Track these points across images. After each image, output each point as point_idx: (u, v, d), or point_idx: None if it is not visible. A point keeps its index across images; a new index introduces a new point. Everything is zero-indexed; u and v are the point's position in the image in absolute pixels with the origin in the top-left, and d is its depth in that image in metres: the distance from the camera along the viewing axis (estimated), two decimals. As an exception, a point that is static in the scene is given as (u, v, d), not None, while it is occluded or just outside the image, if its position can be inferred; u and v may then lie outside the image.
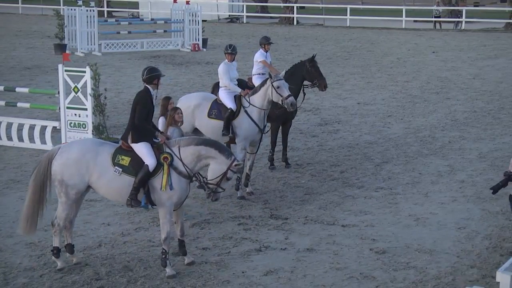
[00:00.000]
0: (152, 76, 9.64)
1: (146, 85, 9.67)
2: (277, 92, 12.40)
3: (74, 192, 9.28)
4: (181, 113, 10.88)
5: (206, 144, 9.38)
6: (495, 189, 9.59)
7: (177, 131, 10.74)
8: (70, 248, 9.70)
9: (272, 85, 12.43)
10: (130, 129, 9.45)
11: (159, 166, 9.21)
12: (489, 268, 9.53)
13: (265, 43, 14.39)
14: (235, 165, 9.33)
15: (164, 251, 9.32)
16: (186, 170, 9.28)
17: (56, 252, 9.49)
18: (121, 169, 9.22)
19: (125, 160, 9.26)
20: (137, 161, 9.25)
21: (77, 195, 9.37)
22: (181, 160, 9.27)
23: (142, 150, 9.31)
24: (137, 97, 9.64)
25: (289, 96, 12.42)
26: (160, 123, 11.09)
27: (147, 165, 9.19)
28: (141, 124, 9.41)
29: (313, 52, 16.22)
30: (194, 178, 9.53)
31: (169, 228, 9.32)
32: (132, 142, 9.37)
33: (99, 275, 9.35)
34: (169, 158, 9.24)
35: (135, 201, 9.27)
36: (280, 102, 12.52)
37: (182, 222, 9.75)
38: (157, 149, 9.36)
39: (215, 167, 9.34)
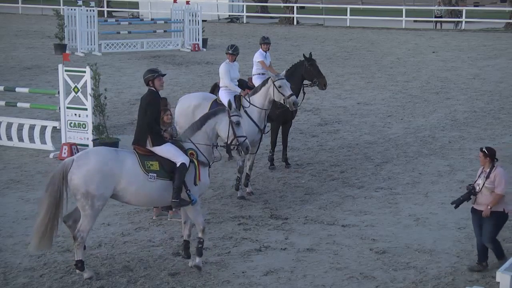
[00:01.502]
0: (148, 78, 9.53)
1: (150, 88, 9.54)
2: (279, 91, 12.41)
3: (101, 202, 9.06)
4: (171, 115, 10.96)
5: (204, 122, 9.71)
6: (457, 204, 9.67)
7: (174, 128, 10.77)
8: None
9: (274, 84, 12.44)
10: (148, 133, 9.34)
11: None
12: (489, 268, 9.52)
13: (262, 42, 14.43)
14: (232, 109, 9.72)
15: (202, 240, 9.50)
16: (205, 158, 9.57)
17: (81, 265, 9.17)
18: (155, 175, 9.18)
19: (155, 165, 9.23)
20: (166, 163, 9.26)
21: (103, 206, 9.19)
22: (199, 151, 9.51)
23: (170, 150, 9.33)
24: (146, 100, 9.47)
25: (291, 95, 12.44)
26: None
27: (183, 163, 9.22)
28: (153, 127, 9.37)
29: (313, 52, 16.23)
30: (213, 156, 9.76)
31: (203, 219, 9.60)
32: (154, 145, 9.33)
33: (99, 275, 9.35)
34: (194, 154, 9.42)
35: (183, 200, 9.30)
36: (282, 101, 12.53)
37: (191, 222, 9.73)
38: (179, 147, 9.48)
39: (221, 127, 9.69)
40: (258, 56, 14.29)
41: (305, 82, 14.46)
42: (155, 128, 9.39)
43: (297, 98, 14.30)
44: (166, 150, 9.32)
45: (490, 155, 9.51)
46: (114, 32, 33.76)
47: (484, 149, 9.56)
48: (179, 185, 9.21)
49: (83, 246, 9.18)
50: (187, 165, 9.25)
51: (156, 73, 9.56)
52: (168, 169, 9.25)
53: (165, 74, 9.91)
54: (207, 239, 10.61)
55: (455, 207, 9.71)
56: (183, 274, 9.37)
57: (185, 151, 9.42)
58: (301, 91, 14.40)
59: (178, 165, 9.22)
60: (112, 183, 9.03)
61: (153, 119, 9.39)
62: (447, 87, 23.48)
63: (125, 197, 9.24)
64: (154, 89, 9.51)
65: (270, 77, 12.67)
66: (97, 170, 8.96)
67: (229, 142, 9.74)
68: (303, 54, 14.56)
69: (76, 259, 9.20)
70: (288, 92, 12.45)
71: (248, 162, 12.91)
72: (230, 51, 13.14)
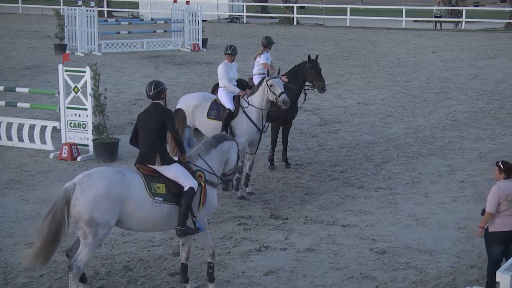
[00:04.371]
0: (163, 88, 8.78)
1: (159, 101, 8.72)
2: (270, 90, 12.42)
3: (105, 231, 8.23)
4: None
5: (220, 141, 9.14)
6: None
7: (189, 130, 10.41)
8: (83, 277, 8.69)
9: (267, 83, 12.46)
10: (156, 151, 8.53)
11: None
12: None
13: (265, 45, 14.57)
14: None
15: (212, 265, 8.92)
16: (217, 178, 9.03)
17: None
18: (161, 199, 8.41)
19: (161, 188, 8.44)
20: (173, 186, 8.50)
21: (107, 234, 8.37)
22: (212, 170, 8.94)
23: (178, 172, 8.56)
24: (165, 116, 8.61)
25: (281, 93, 12.39)
26: None
27: (191, 187, 8.47)
28: (180, 139, 8.78)
29: (313, 52, 16.25)
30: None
31: (212, 242, 9.02)
32: (162, 164, 8.53)
33: (99, 275, 9.35)
34: (202, 175, 8.78)
35: (189, 228, 8.56)
36: (274, 101, 12.51)
37: (190, 244, 9.08)
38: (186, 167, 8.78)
39: (233, 155, 9.21)
40: (261, 57, 14.40)
41: (307, 83, 14.46)
42: (182, 142, 8.75)
43: (298, 98, 14.37)
44: (175, 172, 8.53)
45: (506, 170, 8.63)
46: (114, 32, 33.77)
47: (499, 164, 8.72)
48: (186, 211, 8.47)
49: (79, 278, 8.26)
50: (195, 190, 8.51)
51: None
52: (175, 192, 8.49)
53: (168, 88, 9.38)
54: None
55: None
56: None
57: (193, 173, 8.67)
58: (302, 92, 14.42)
59: (186, 189, 8.47)
60: (118, 208, 8.21)
61: (179, 134, 8.78)
62: (447, 87, 23.48)
63: (129, 223, 8.45)
64: (162, 102, 8.77)
65: (265, 77, 12.69)
66: (104, 194, 8.08)
67: (229, 172, 9.24)
68: (308, 55, 14.47)
69: None
70: (278, 90, 12.42)
71: (248, 162, 12.91)
72: (228, 52, 13.17)
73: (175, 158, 8.84)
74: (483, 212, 8.93)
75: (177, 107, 13.09)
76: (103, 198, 8.07)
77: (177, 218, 8.53)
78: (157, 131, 8.57)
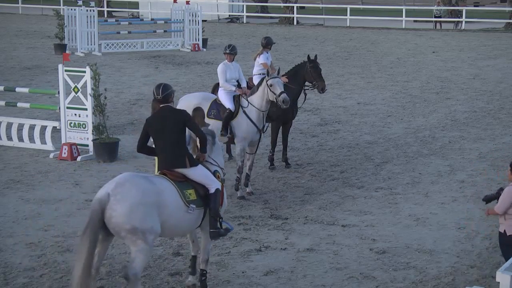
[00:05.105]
0: (172, 91, 8.58)
1: (169, 104, 8.54)
2: (270, 90, 12.41)
3: (153, 236, 7.94)
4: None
5: (214, 136, 9.11)
6: (489, 199, 9.02)
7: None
8: None
9: (267, 83, 12.46)
10: (184, 153, 8.42)
11: None
12: (489, 268, 9.53)
13: (265, 45, 14.61)
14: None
15: (205, 272, 8.85)
16: (223, 174, 9.06)
17: None
18: (194, 206, 8.27)
19: (192, 194, 8.29)
20: (200, 189, 8.38)
21: (155, 239, 8.14)
22: (221, 167, 8.98)
23: (206, 174, 8.51)
24: (179, 117, 8.44)
25: (281, 93, 12.38)
26: None
27: (218, 189, 8.42)
28: (206, 137, 8.72)
29: (313, 52, 16.25)
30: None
31: (210, 246, 8.92)
32: (191, 166, 8.41)
33: (99, 275, 9.33)
34: (220, 176, 8.80)
35: (223, 230, 8.55)
36: (274, 100, 12.50)
37: (197, 239, 9.09)
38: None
39: (218, 142, 9.28)
40: (261, 58, 14.43)
41: (307, 84, 14.46)
42: (206, 137, 8.69)
43: (298, 98, 14.37)
44: (202, 173, 8.46)
45: None
46: (114, 32, 33.79)
47: None
48: (217, 213, 8.42)
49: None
50: (220, 190, 8.50)
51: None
52: (202, 195, 8.38)
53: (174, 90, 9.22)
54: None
55: (486, 203, 9.16)
56: (183, 274, 9.36)
57: (213, 173, 8.66)
58: (302, 92, 14.43)
59: (213, 191, 8.40)
60: (157, 214, 7.93)
61: (201, 129, 8.69)
62: (447, 87, 23.48)
63: (165, 228, 8.16)
64: (171, 105, 8.64)
65: (264, 77, 12.70)
66: (140, 203, 7.82)
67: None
68: (308, 56, 14.49)
69: None
70: (278, 90, 12.42)
71: (248, 162, 12.91)
72: (227, 51, 13.20)
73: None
74: (484, 198, 9.04)
75: (177, 107, 13.12)
76: (139, 206, 7.82)
77: (196, 222, 8.45)
78: (180, 133, 8.44)
